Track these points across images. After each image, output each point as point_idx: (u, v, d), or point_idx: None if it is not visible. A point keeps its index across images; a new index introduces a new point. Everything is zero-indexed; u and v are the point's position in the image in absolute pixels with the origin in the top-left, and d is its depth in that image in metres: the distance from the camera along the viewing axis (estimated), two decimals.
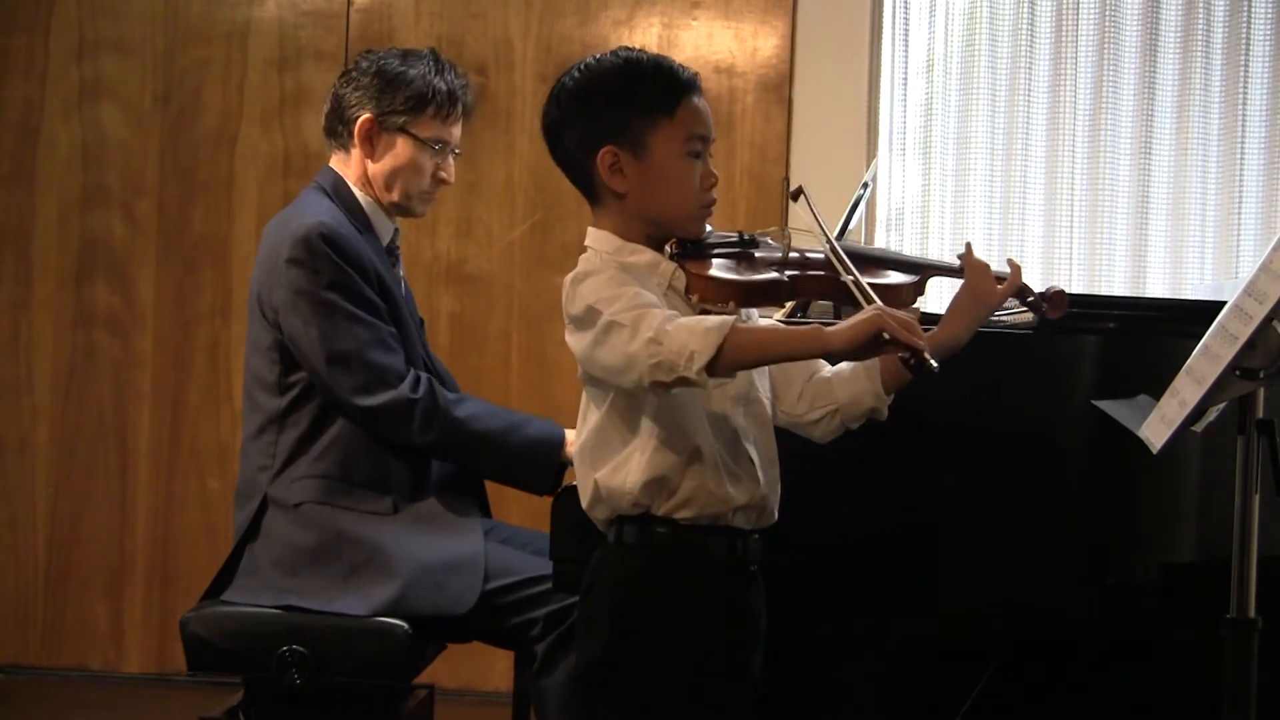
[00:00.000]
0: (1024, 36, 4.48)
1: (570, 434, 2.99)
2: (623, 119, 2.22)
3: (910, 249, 4.50)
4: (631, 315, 2.07)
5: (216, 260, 4.74)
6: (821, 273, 2.24)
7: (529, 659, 2.93)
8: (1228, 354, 2.17)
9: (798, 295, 2.37)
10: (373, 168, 3.07)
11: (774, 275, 2.25)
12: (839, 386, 2.29)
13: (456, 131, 3.13)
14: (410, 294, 3.24)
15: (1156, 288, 4.45)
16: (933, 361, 2.04)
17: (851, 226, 3.16)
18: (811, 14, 4.61)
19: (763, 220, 4.49)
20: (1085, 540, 2.67)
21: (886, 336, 2.02)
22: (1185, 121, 4.46)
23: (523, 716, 3.16)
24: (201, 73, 4.75)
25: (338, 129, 3.10)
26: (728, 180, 4.49)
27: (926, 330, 2.34)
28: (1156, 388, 2.37)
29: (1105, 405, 2.50)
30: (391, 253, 3.14)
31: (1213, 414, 2.33)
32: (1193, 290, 4.35)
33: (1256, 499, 2.30)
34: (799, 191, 2.27)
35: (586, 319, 2.13)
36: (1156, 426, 2.31)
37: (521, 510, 3.31)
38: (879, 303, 2.11)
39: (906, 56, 4.52)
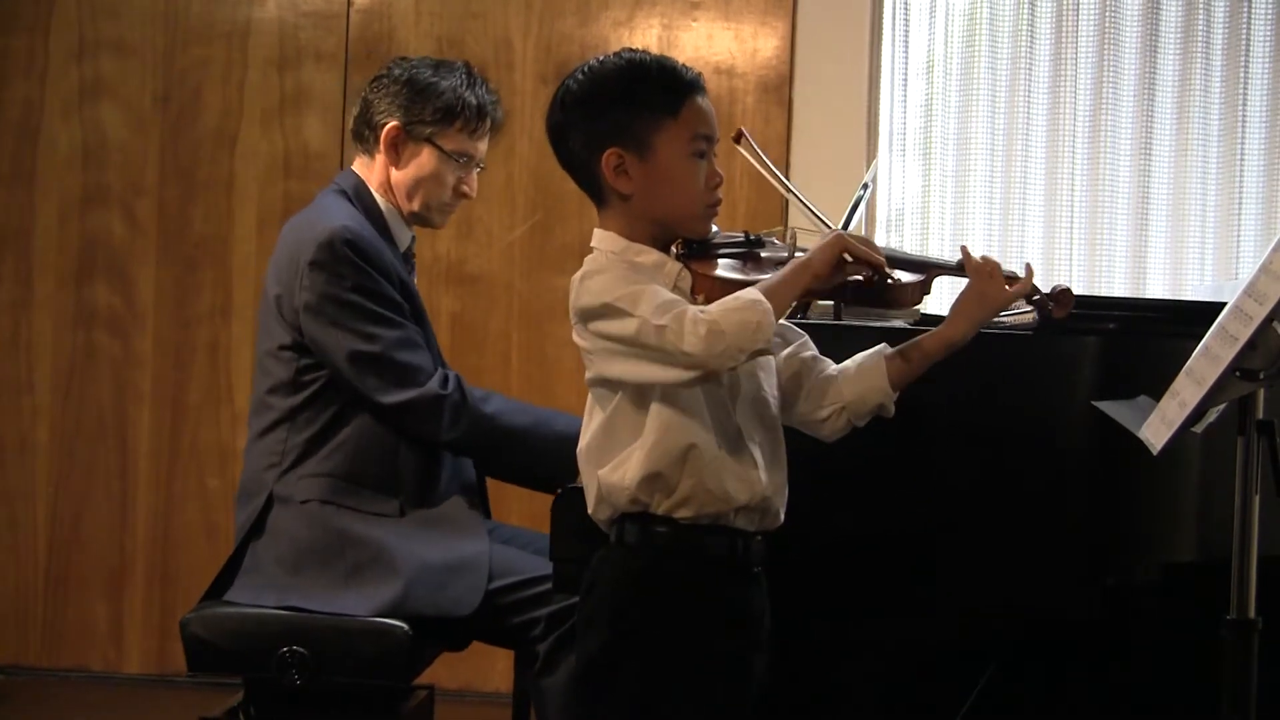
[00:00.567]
0: (1024, 36, 4.48)
1: None
2: (627, 120, 2.22)
3: (910, 249, 4.49)
4: (671, 316, 2.09)
5: (216, 260, 4.74)
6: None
7: (529, 659, 2.93)
8: (1228, 355, 2.17)
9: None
10: (396, 175, 3.08)
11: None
12: (846, 384, 2.29)
13: (483, 146, 3.14)
14: (420, 299, 3.25)
15: (1156, 288, 4.45)
16: (893, 275, 2.21)
17: (851, 227, 3.17)
18: (811, 14, 4.61)
19: (763, 220, 4.49)
20: (1085, 540, 2.67)
21: (849, 258, 2.18)
22: (1185, 121, 4.46)
23: (523, 717, 3.16)
24: (201, 73, 4.75)
25: (364, 133, 3.12)
26: (728, 181, 4.46)
27: (927, 329, 2.35)
28: (1156, 388, 2.37)
29: (1105, 406, 2.50)
30: (408, 260, 3.15)
31: (1213, 415, 2.33)
32: (1193, 291, 4.35)
33: (1256, 499, 2.30)
34: (740, 135, 2.32)
35: (606, 313, 2.14)
36: (1156, 427, 2.31)
37: (521, 510, 3.31)
38: (837, 229, 2.21)
39: (906, 57, 4.52)
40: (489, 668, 4.54)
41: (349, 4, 4.73)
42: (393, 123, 3.06)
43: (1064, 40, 4.47)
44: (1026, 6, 4.47)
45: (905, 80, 4.53)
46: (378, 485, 2.98)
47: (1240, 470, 2.30)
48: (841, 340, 2.34)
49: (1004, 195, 4.50)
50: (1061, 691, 3.10)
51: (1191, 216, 4.48)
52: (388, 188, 3.10)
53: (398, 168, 3.08)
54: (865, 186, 3.33)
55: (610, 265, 2.19)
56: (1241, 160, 4.45)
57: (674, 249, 2.25)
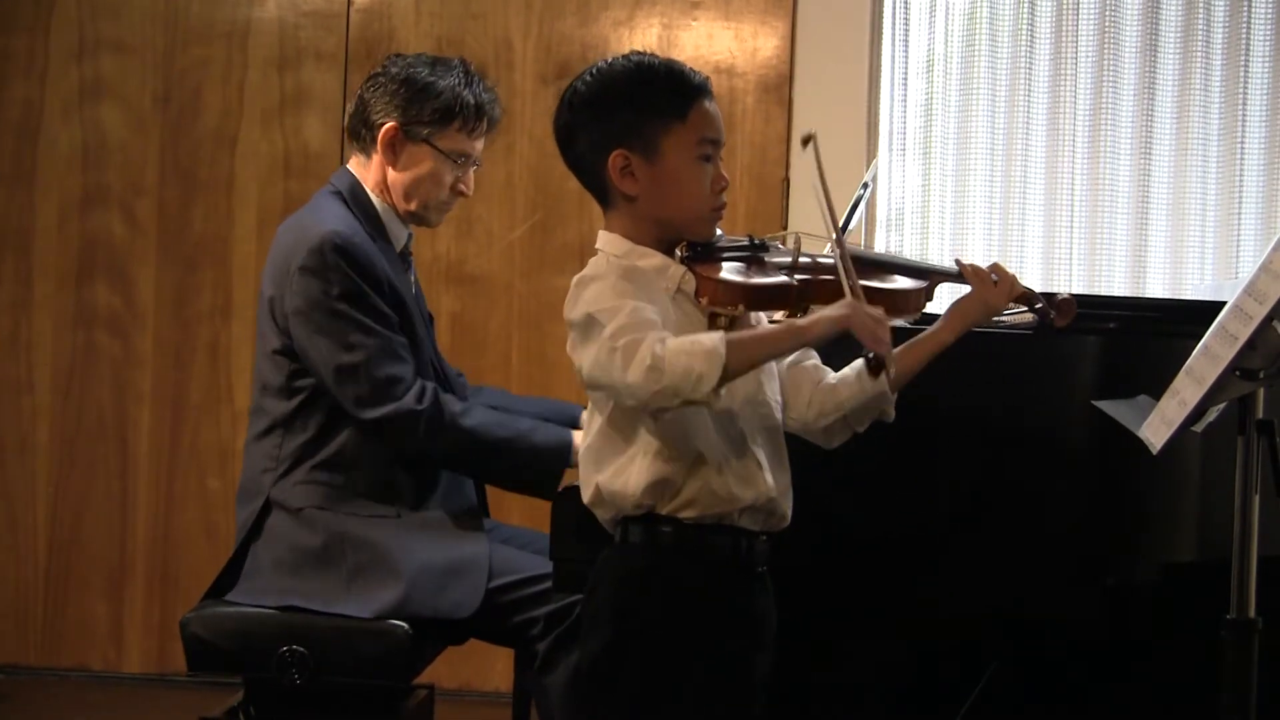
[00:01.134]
0: (1024, 36, 4.48)
1: (579, 439, 2.99)
2: (635, 122, 2.22)
3: (910, 249, 4.51)
4: (625, 341, 2.07)
5: (216, 260, 4.74)
6: (830, 278, 2.24)
7: (529, 658, 2.93)
8: (1228, 354, 2.18)
9: (806, 299, 2.37)
10: (393, 176, 3.06)
11: (783, 279, 2.25)
12: (845, 391, 2.29)
13: (480, 145, 3.12)
14: (421, 294, 3.24)
15: (1156, 288, 4.45)
16: (891, 370, 2.15)
17: (851, 226, 3.16)
18: (811, 14, 4.61)
19: (762, 220, 4.49)
20: (1085, 540, 2.67)
21: (856, 329, 2.12)
22: (1185, 121, 4.46)
23: (523, 716, 3.16)
24: (201, 73, 4.75)
25: (361, 132, 3.09)
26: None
27: (925, 328, 2.35)
28: (1156, 388, 2.37)
29: (1105, 405, 2.50)
30: (404, 258, 3.14)
31: (1213, 414, 2.33)
32: (1193, 290, 4.35)
33: (1256, 499, 2.30)
34: (810, 137, 2.25)
35: (586, 329, 2.14)
36: (1156, 427, 2.31)
37: (522, 510, 3.31)
38: (856, 297, 2.15)
39: (906, 56, 4.52)
40: (489, 667, 4.55)
41: (349, 4, 4.73)
42: (390, 123, 3.04)
43: (1064, 40, 4.47)
44: (1026, 6, 4.47)
45: (905, 80, 4.53)
46: (373, 492, 2.97)
47: (1240, 470, 2.30)
48: (839, 341, 2.34)
49: (1004, 195, 4.50)
50: (1061, 691, 3.10)
51: (1191, 216, 4.47)
52: (384, 187, 3.08)
53: (395, 168, 3.06)
54: (865, 186, 3.33)
55: (607, 272, 2.19)
56: (1241, 160, 4.44)
57: (678, 251, 2.25)
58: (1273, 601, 2.36)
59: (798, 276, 2.26)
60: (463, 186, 3.11)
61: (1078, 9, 4.45)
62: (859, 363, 2.31)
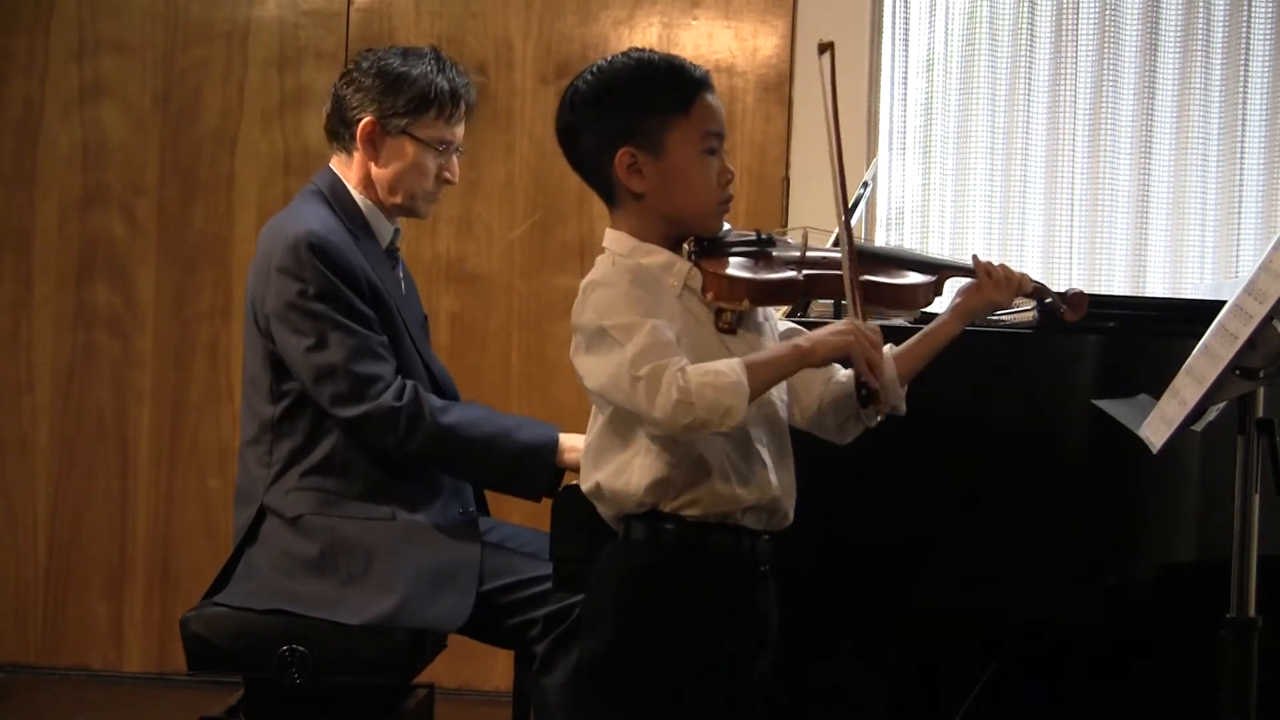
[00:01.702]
0: (1024, 36, 4.48)
1: (564, 437, 2.98)
2: (639, 119, 2.22)
3: (910, 248, 4.50)
4: (649, 370, 2.07)
5: (216, 260, 4.74)
6: (837, 273, 2.24)
7: (529, 659, 2.92)
8: (1228, 353, 2.17)
9: (812, 295, 2.38)
10: (376, 171, 3.04)
11: (789, 274, 2.26)
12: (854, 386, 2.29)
13: (460, 131, 3.09)
14: (415, 291, 3.23)
15: (1156, 288, 4.45)
16: (882, 405, 2.18)
17: (851, 225, 3.16)
18: (811, 14, 4.61)
19: (763, 219, 4.48)
20: (1085, 540, 2.67)
21: (854, 359, 2.13)
22: (1185, 121, 4.46)
23: (523, 716, 3.16)
24: (201, 73, 4.75)
25: (339, 131, 3.07)
26: None
27: (926, 324, 2.35)
28: (1156, 388, 2.37)
29: (1105, 405, 2.50)
30: (392, 255, 3.12)
31: (1213, 413, 2.33)
32: (1193, 290, 4.35)
33: (1256, 499, 2.30)
34: (828, 46, 2.25)
35: (596, 340, 2.14)
36: (1156, 426, 2.31)
37: (522, 510, 3.30)
38: (855, 306, 2.17)
39: (906, 56, 4.52)
40: (489, 667, 4.55)
41: (349, 3, 4.73)
42: (367, 118, 3.01)
43: (1064, 40, 4.47)
44: (1026, 6, 4.47)
45: (905, 79, 4.53)
46: (366, 494, 2.95)
47: (1240, 469, 2.30)
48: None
49: (1004, 194, 4.50)
50: (1061, 691, 3.09)
51: (1191, 215, 4.48)
52: (368, 184, 3.05)
53: (377, 164, 3.04)
54: (865, 185, 3.33)
55: (618, 279, 2.18)
56: (1241, 159, 4.45)
57: (686, 247, 2.25)
58: (1273, 601, 2.35)
59: (804, 272, 2.26)
60: (448, 174, 3.09)
61: (1078, 9, 4.45)
62: None
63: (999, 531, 2.66)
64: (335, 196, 3.04)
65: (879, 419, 2.31)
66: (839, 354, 2.13)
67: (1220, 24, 4.44)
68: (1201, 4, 4.43)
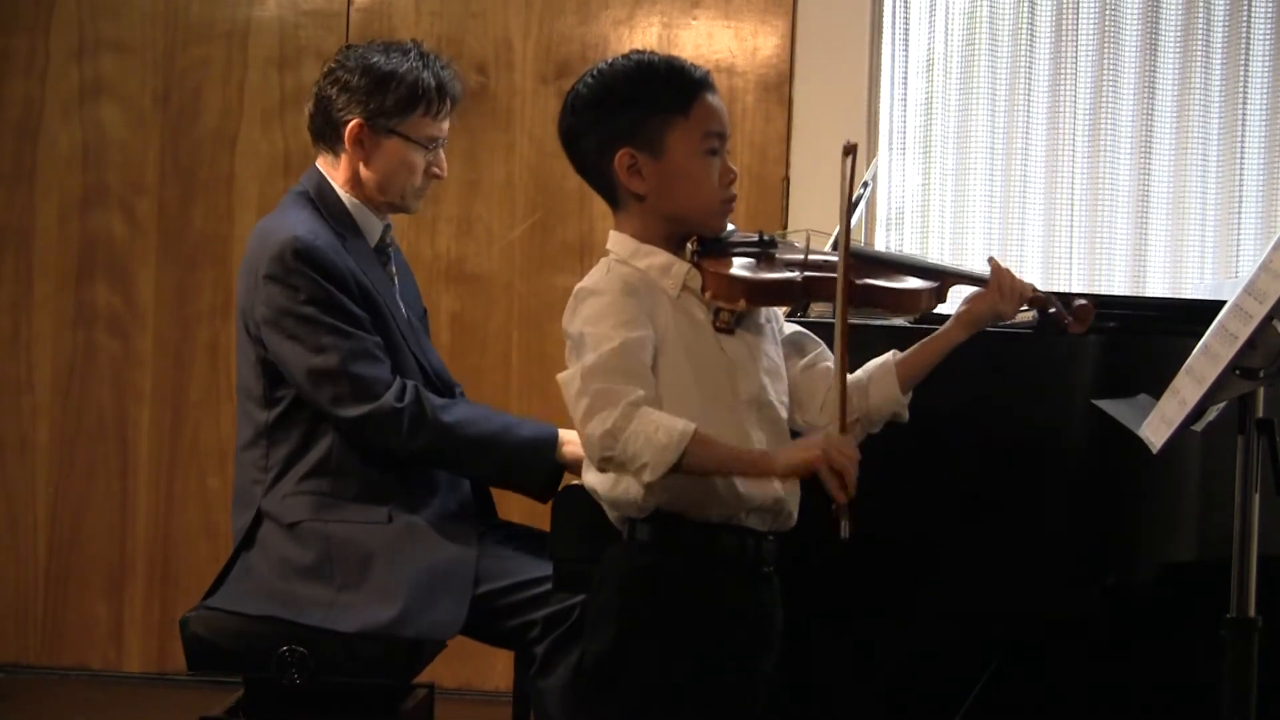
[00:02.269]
0: (1024, 36, 4.48)
1: (564, 434, 2.98)
2: (638, 120, 2.22)
3: (910, 249, 4.50)
4: (598, 389, 2.08)
5: (216, 260, 4.74)
6: (835, 275, 2.24)
7: (529, 659, 2.92)
8: (1228, 353, 2.17)
9: (811, 297, 2.38)
10: (366, 172, 3.01)
11: (788, 275, 2.26)
12: (858, 398, 2.29)
13: (446, 125, 3.07)
14: (413, 287, 3.22)
15: (1156, 288, 4.45)
16: (845, 525, 2.10)
17: (852, 225, 3.16)
18: (811, 14, 4.61)
19: (763, 220, 4.49)
20: (1085, 540, 2.67)
21: (821, 479, 2.09)
22: (1185, 121, 4.46)
23: (523, 716, 3.16)
24: (201, 72, 4.75)
25: (326, 132, 3.03)
26: None
27: (929, 327, 2.35)
28: (1156, 388, 2.37)
29: (1105, 405, 2.50)
30: (382, 252, 3.10)
31: (1213, 413, 2.33)
32: (1193, 290, 4.35)
33: (1256, 499, 2.30)
34: (852, 149, 2.22)
35: (577, 346, 2.16)
36: (1156, 426, 2.31)
37: (522, 510, 3.30)
38: (829, 433, 2.15)
39: (906, 56, 4.52)
40: (489, 667, 4.54)
41: (349, 3, 4.73)
42: (355, 119, 2.98)
43: (1064, 40, 4.47)
44: (1026, 6, 4.47)
45: (905, 79, 4.53)
46: (362, 495, 2.93)
47: (1240, 469, 2.30)
48: (854, 340, 2.33)
49: (1004, 194, 4.50)
50: (1061, 691, 3.09)
51: (1191, 215, 4.48)
52: (356, 183, 3.02)
53: (367, 165, 3.01)
54: (865, 185, 3.33)
55: (608, 287, 2.19)
56: (1241, 159, 4.45)
57: (689, 246, 2.25)
58: (1273, 601, 2.35)
59: (804, 274, 2.26)
60: (436, 169, 3.06)
61: (1078, 9, 4.45)
62: (872, 365, 2.31)
63: (999, 531, 2.66)
64: (321, 198, 3.02)
65: (875, 430, 2.31)
66: (803, 471, 2.11)
67: (1220, 24, 4.44)
68: (1201, 4, 4.43)
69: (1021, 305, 2.34)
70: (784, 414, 2.30)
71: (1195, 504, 2.71)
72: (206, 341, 4.74)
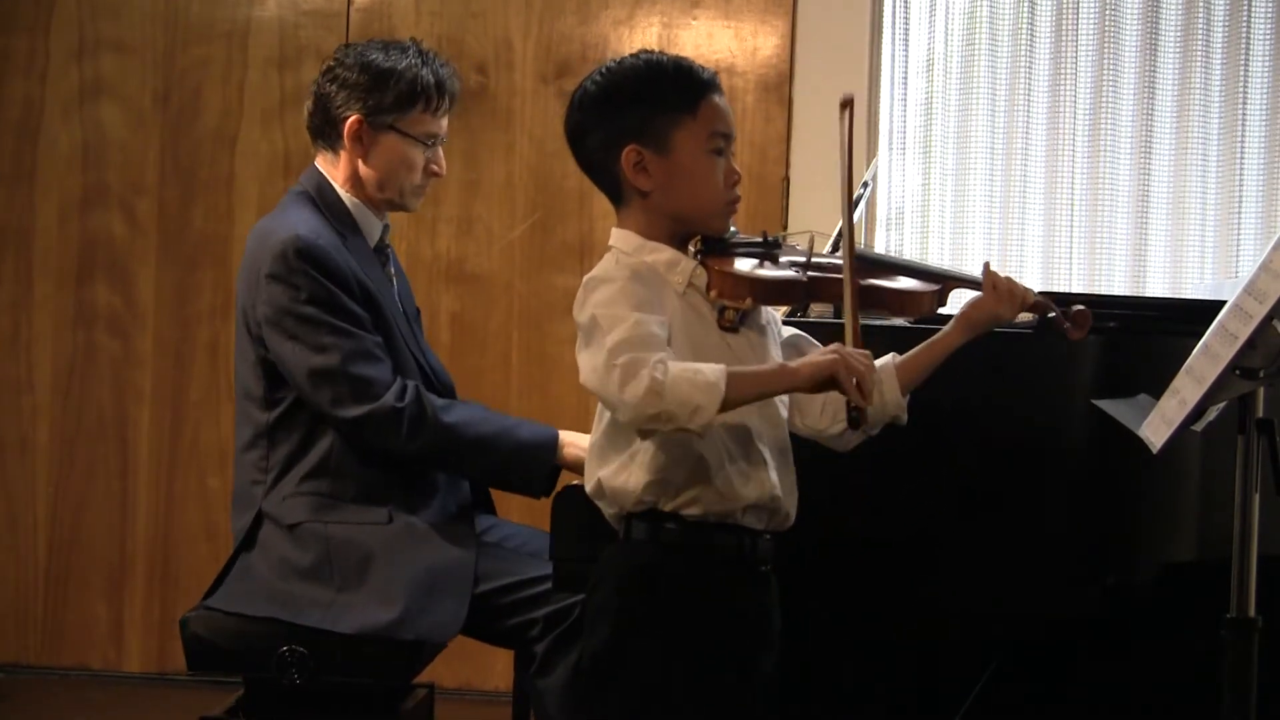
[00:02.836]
0: (1024, 36, 4.48)
1: (564, 435, 2.98)
2: (645, 118, 2.23)
3: (910, 248, 4.51)
4: (626, 360, 2.08)
5: (216, 260, 4.74)
6: (839, 276, 2.25)
7: (529, 659, 2.92)
8: (1228, 353, 2.17)
9: (815, 297, 2.39)
10: (364, 170, 3.01)
11: (792, 274, 2.27)
12: None
13: (445, 123, 3.07)
14: (407, 287, 3.22)
15: (1156, 288, 4.45)
16: (863, 430, 2.22)
17: (854, 223, 3.16)
18: (811, 14, 4.61)
19: (763, 219, 4.49)
20: (1085, 540, 2.67)
21: (839, 381, 2.11)
22: (1185, 121, 4.46)
23: (523, 716, 3.16)
24: (202, 72, 4.75)
25: (325, 130, 3.04)
26: None
27: (928, 327, 2.35)
28: (1156, 388, 2.37)
29: (1105, 405, 2.50)
30: (381, 251, 3.10)
31: (1213, 413, 2.33)
32: (1193, 290, 4.35)
33: (1256, 499, 2.30)
34: (849, 101, 2.24)
35: (590, 332, 2.15)
36: (1156, 426, 2.31)
37: (522, 509, 3.30)
38: (846, 344, 2.16)
39: (906, 56, 4.52)
40: (489, 667, 4.55)
41: (349, 3, 4.73)
42: (354, 116, 2.98)
43: (1064, 40, 4.47)
44: (1026, 6, 4.47)
45: (905, 79, 4.53)
46: (362, 496, 2.93)
47: (1240, 469, 2.30)
48: (841, 338, 2.33)
49: (1004, 194, 4.50)
50: (1061, 691, 3.09)
51: (1191, 215, 4.48)
52: (355, 181, 3.02)
53: (366, 162, 3.01)
54: (865, 185, 3.33)
55: (617, 274, 2.19)
56: (1241, 159, 4.45)
57: (692, 246, 2.26)
58: (1273, 601, 2.36)
59: (807, 273, 2.27)
60: (435, 167, 3.06)
61: (1078, 9, 4.45)
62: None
63: (999, 531, 2.66)
64: (322, 197, 3.02)
65: (874, 432, 2.32)
66: (824, 374, 2.11)
67: (1220, 24, 4.44)
68: (1201, 4, 4.43)
69: (1021, 310, 2.34)
70: (784, 413, 2.30)
71: (1195, 504, 2.71)
72: (206, 341, 4.74)
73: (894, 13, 4.51)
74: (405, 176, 3.03)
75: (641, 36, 4.61)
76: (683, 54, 2.34)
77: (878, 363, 2.32)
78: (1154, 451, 2.30)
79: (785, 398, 2.31)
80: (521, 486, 3.00)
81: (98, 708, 4.54)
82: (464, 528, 2.99)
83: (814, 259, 2.31)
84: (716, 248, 2.27)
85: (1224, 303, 2.27)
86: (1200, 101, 4.45)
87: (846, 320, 2.19)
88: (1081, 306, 2.35)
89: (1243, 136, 4.44)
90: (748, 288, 2.22)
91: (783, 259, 2.31)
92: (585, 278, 2.22)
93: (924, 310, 2.36)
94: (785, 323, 2.43)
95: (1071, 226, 4.48)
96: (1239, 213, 4.44)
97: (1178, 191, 4.48)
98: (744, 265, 2.25)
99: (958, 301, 2.39)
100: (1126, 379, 2.62)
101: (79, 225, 4.77)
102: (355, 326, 2.91)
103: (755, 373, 2.15)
